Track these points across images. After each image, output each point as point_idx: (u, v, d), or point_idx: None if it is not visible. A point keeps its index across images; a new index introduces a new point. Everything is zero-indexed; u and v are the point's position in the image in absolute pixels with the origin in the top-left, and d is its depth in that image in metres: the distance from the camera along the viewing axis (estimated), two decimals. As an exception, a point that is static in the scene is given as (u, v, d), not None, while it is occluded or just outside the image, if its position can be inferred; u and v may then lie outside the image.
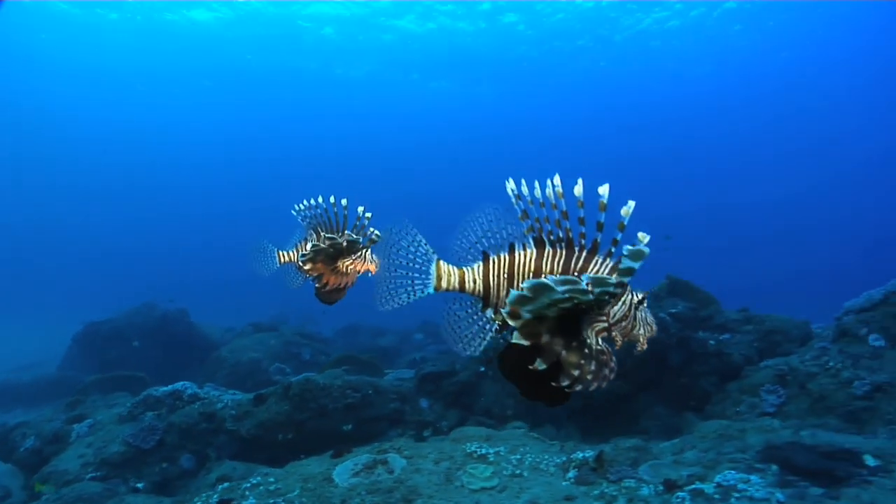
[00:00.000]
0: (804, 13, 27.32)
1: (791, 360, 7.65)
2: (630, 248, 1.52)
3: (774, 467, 4.69)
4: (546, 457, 5.28)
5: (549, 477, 4.94)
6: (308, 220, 3.37)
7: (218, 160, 51.71)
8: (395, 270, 2.17)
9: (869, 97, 37.29)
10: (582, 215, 1.90)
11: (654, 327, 1.99)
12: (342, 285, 3.31)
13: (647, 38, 30.16)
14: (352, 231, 3.21)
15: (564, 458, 5.17)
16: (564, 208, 1.93)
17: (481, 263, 2.10)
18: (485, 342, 2.15)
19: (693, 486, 4.29)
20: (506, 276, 2.04)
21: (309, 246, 3.25)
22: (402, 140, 47.10)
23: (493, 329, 2.12)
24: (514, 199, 2.02)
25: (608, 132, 44.45)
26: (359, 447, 6.07)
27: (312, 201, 3.31)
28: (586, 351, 1.84)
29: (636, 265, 1.55)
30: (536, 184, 1.96)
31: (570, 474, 4.87)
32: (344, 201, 3.22)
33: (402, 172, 52.99)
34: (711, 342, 8.89)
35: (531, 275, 1.99)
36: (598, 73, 34.45)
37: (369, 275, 3.30)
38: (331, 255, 3.21)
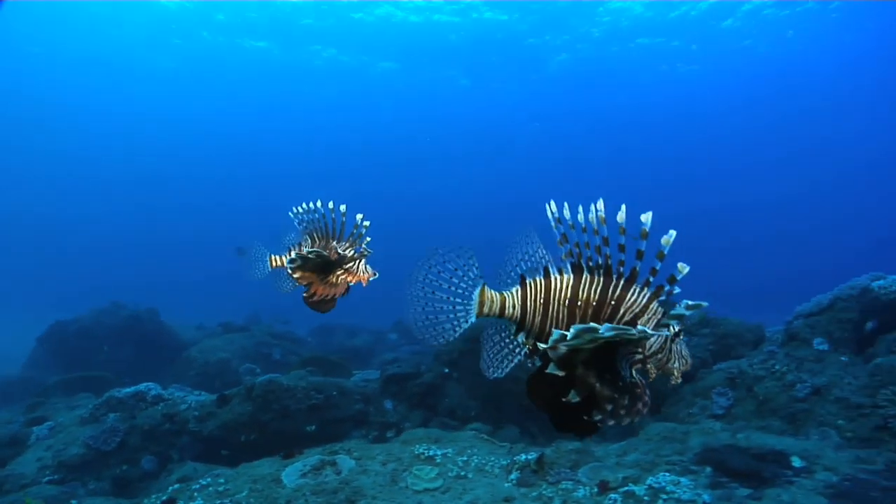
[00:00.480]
0: (807, 13, 27.47)
1: (741, 363, 7.88)
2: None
3: (709, 469, 4.88)
4: (492, 458, 5.41)
5: (492, 478, 5.07)
6: (305, 224, 3.25)
7: (193, 155, 50.94)
8: (435, 294, 2.09)
9: (858, 99, 37.90)
10: (622, 242, 1.84)
11: (689, 361, 1.94)
12: (330, 296, 3.19)
13: (636, 34, 30.34)
14: (348, 239, 3.14)
15: (509, 460, 5.30)
16: (606, 234, 1.87)
17: (519, 288, 2.05)
18: (512, 365, 2.12)
19: (626, 488, 4.44)
20: (542, 301, 1.99)
21: (298, 252, 3.20)
22: (389, 135, 46.85)
23: (523, 353, 2.10)
24: (553, 223, 1.97)
25: (602, 131, 44.63)
26: (313, 448, 6.15)
27: (311, 205, 3.20)
28: (620, 384, 1.82)
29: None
30: (580, 208, 1.91)
31: (513, 476, 5.00)
32: (343, 207, 3.11)
33: (390, 167, 52.69)
34: (668, 345, 9.08)
35: (567, 301, 1.95)
36: (587, 70, 34.61)
37: (362, 285, 3.22)
38: (319, 266, 3.14)
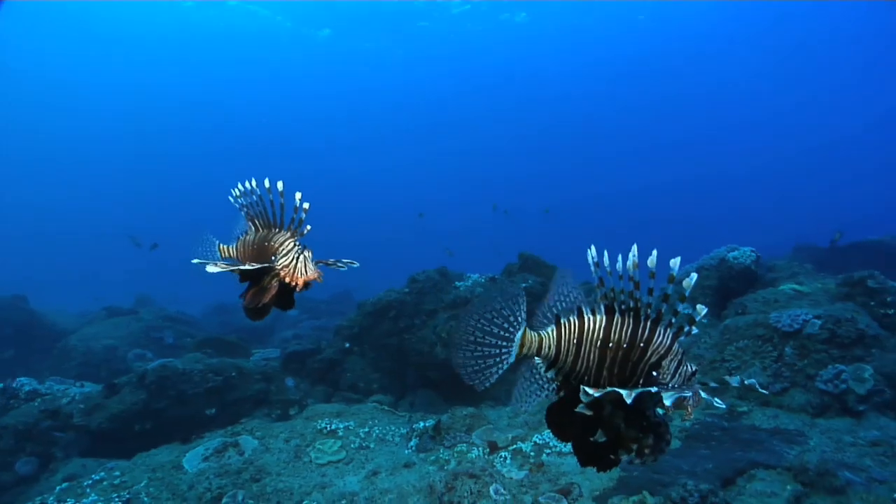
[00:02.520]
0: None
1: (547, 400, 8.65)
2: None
3: (585, 423, 5.47)
4: (392, 428, 5.71)
5: (393, 447, 5.38)
6: (246, 208, 2.90)
7: (79, 128, 46.21)
8: (485, 339, 2.12)
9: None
10: (651, 286, 1.91)
11: (701, 398, 1.96)
12: (260, 303, 2.75)
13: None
14: (289, 227, 2.77)
15: (409, 429, 5.63)
16: (638, 279, 1.94)
17: (554, 328, 2.09)
18: (540, 398, 2.16)
19: (514, 447, 4.92)
20: (575, 341, 2.05)
21: (230, 252, 2.93)
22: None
23: (552, 389, 2.15)
24: (593, 268, 2.01)
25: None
26: (215, 431, 6.14)
27: (248, 185, 2.84)
28: (644, 424, 1.91)
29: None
30: (619, 257, 1.96)
31: (412, 443, 5.34)
32: (280, 185, 2.72)
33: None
34: (556, 313, 9.81)
35: (599, 342, 2.01)
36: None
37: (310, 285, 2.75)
38: (251, 275, 2.76)
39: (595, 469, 2.02)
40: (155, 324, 15.26)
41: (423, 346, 9.89)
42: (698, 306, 1.86)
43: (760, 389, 1.96)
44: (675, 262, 1.81)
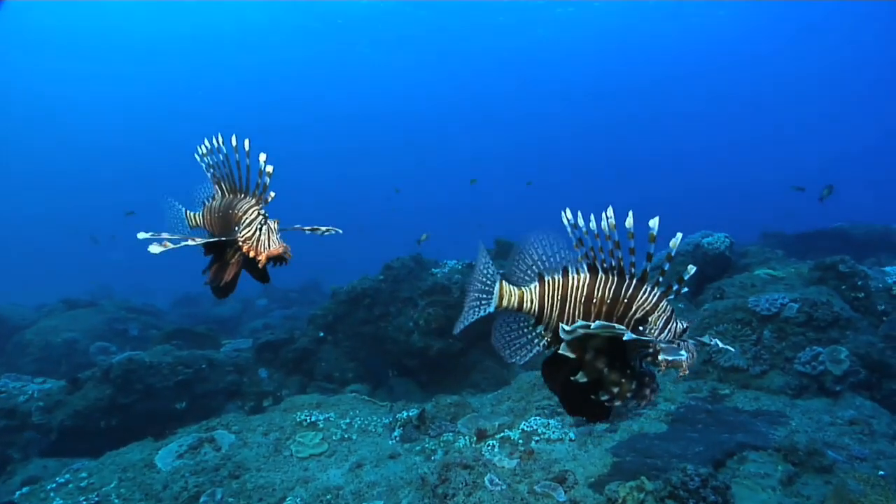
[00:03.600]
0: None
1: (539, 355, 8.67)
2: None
3: (570, 409, 5.42)
4: (375, 418, 5.56)
5: (376, 438, 5.23)
6: (212, 168, 2.63)
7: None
8: (473, 293, 2.28)
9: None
10: (632, 246, 1.97)
11: (696, 356, 2.02)
12: (221, 281, 2.53)
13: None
14: (254, 193, 2.49)
15: (391, 419, 5.49)
16: (617, 239, 2.01)
17: (537, 284, 2.18)
18: (531, 353, 2.25)
19: (501, 434, 4.82)
20: (559, 297, 2.14)
21: (197, 220, 2.68)
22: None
23: (542, 344, 2.23)
24: (569, 229, 2.11)
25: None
26: (188, 427, 5.88)
27: (214, 142, 2.56)
28: (628, 371, 1.96)
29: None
30: (592, 216, 2.05)
31: (396, 433, 5.20)
32: (247, 144, 2.45)
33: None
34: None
35: (584, 298, 2.10)
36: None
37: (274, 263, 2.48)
38: (212, 248, 2.52)
39: (585, 419, 2.09)
40: (118, 315, 14.69)
41: (400, 335, 9.74)
42: (688, 266, 1.95)
43: (724, 346, 2.09)
44: (653, 223, 1.88)
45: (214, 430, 5.33)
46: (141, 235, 2.25)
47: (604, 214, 2.03)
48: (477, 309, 2.28)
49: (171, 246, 2.24)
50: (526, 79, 43.15)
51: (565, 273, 2.15)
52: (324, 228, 2.59)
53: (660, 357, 1.86)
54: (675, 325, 2.05)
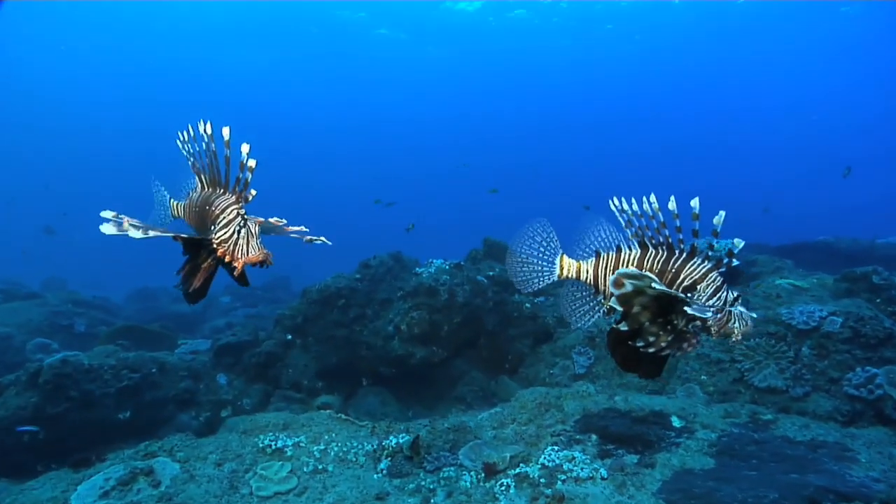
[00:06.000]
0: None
1: (599, 321, 7.85)
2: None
3: (594, 437, 4.51)
4: (355, 444, 4.53)
5: (357, 469, 4.21)
6: (192, 158, 2.41)
7: None
8: (529, 259, 2.59)
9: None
10: (679, 225, 2.19)
11: (750, 323, 2.13)
12: (190, 287, 2.27)
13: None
14: (234, 189, 2.23)
15: (376, 445, 4.48)
16: (662, 219, 2.25)
17: (594, 259, 2.48)
18: (593, 319, 2.51)
19: (517, 470, 3.88)
20: (612, 269, 2.38)
21: (180, 210, 2.52)
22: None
23: (602, 311, 2.49)
24: (617, 214, 2.35)
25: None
26: (121, 449, 4.77)
27: (200, 129, 2.29)
28: (669, 327, 2.12)
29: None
30: (633, 200, 2.31)
31: (383, 465, 4.20)
32: (226, 132, 2.17)
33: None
34: (527, 305, 8.90)
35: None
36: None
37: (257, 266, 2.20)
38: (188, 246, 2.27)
39: (638, 375, 2.33)
40: (63, 309, 13.26)
41: (377, 340, 8.74)
42: (735, 239, 2.17)
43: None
44: (695, 203, 2.12)
45: (154, 456, 4.23)
46: (104, 214, 2.02)
47: (644, 199, 2.27)
48: (541, 276, 2.60)
49: (130, 232, 1.97)
50: (519, 87, 42.59)
51: (618, 250, 2.41)
52: (317, 238, 2.45)
53: (706, 321, 2.04)
54: (725, 293, 2.16)
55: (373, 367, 8.83)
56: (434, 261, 9.17)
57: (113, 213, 2.02)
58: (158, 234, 2.03)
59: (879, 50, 32.35)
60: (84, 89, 39.10)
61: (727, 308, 2.11)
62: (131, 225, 1.99)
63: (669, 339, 2.09)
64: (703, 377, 5.79)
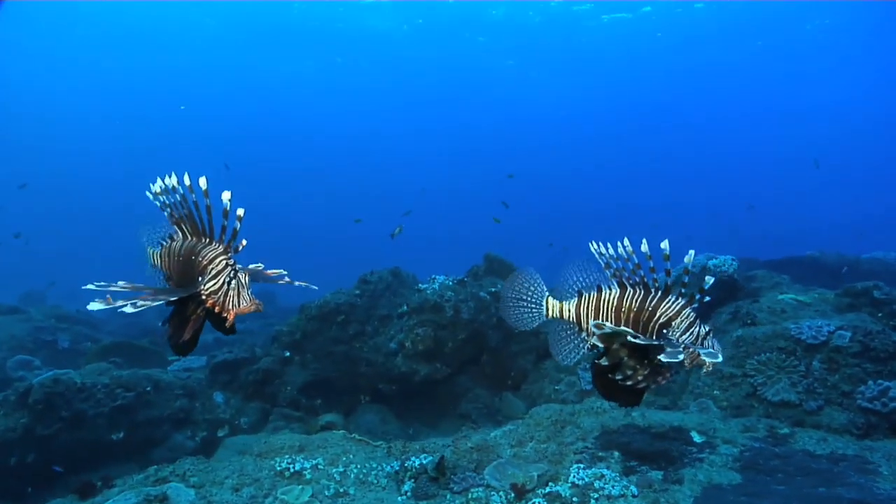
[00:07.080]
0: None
1: (586, 356, 7.82)
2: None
3: (616, 454, 4.46)
4: (374, 465, 4.42)
5: (380, 492, 4.10)
6: (169, 209, 2.38)
7: None
8: (519, 303, 2.81)
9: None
10: (652, 265, 2.45)
11: (720, 356, 2.23)
12: (180, 339, 2.26)
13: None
14: (220, 238, 2.19)
15: (397, 467, 4.37)
16: (637, 261, 2.49)
17: (576, 299, 2.69)
18: (578, 355, 2.71)
19: (547, 490, 3.80)
20: (593, 308, 2.60)
21: (156, 259, 2.50)
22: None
23: (586, 347, 2.69)
24: (597, 256, 2.59)
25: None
26: (129, 473, 4.58)
27: (168, 181, 2.30)
28: (645, 362, 2.38)
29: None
30: (609, 245, 2.57)
31: (406, 486, 4.09)
32: (203, 182, 2.13)
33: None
34: (530, 320, 8.84)
35: (614, 308, 2.54)
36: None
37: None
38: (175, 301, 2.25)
39: (618, 404, 2.80)
40: (46, 324, 12.85)
41: (377, 356, 8.62)
42: (706, 277, 2.40)
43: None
44: (664, 244, 2.38)
45: (166, 481, 4.06)
46: (90, 286, 1.99)
47: (619, 243, 2.52)
48: (532, 318, 2.81)
49: (117, 304, 1.93)
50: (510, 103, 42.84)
51: (599, 290, 2.62)
52: (298, 283, 2.47)
53: (664, 357, 2.13)
54: (697, 328, 2.39)
55: (372, 384, 8.70)
56: (437, 277, 9.09)
57: (98, 285, 1.98)
58: (149, 304, 2.00)
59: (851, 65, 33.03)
60: (73, 100, 38.58)
61: (698, 343, 2.35)
62: (120, 296, 1.94)
63: (645, 372, 2.37)
64: (715, 392, 5.79)
